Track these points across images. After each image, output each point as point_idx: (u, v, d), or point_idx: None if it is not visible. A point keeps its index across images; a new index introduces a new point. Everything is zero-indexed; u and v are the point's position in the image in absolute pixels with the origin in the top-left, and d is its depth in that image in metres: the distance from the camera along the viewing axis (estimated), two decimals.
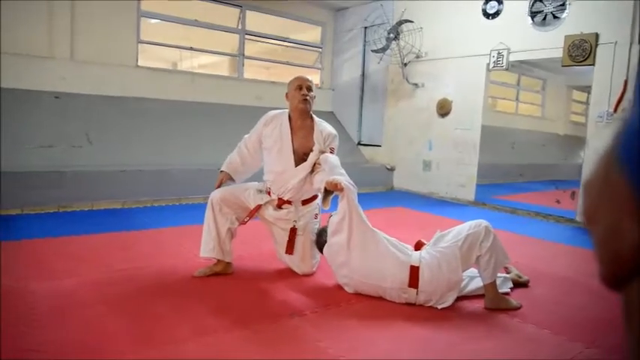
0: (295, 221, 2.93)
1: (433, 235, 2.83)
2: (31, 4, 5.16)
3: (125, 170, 4.95)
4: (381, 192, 6.89)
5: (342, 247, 2.58)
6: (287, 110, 2.99)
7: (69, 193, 4.56)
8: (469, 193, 6.20)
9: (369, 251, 2.56)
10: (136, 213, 4.63)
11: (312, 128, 2.93)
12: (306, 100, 2.86)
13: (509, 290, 2.81)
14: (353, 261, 2.57)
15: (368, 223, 2.62)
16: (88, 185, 4.68)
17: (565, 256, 3.92)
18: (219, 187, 2.97)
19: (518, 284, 2.97)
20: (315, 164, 2.89)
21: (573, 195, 5.37)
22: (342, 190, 2.55)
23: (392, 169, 7.16)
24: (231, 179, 3.03)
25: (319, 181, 2.73)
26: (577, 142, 11.00)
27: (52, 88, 5.33)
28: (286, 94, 2.96)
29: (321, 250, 2.82)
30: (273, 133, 2.93)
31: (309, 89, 2.89)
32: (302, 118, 2.93)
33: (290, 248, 2.91)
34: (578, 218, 5.08)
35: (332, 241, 2.63)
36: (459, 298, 2.61)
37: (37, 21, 5.23)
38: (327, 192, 2.63)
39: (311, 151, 2.89)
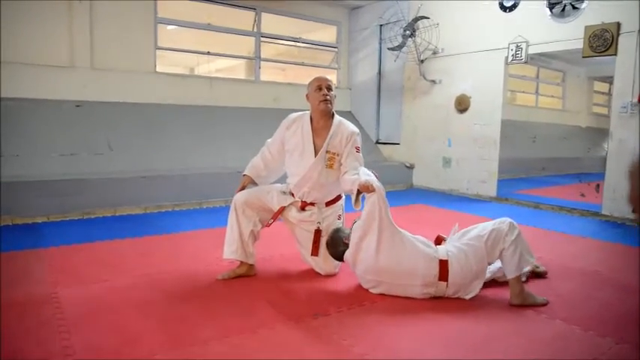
0: (319, 223, 2.92)
1: (451, 229, 2.83)
2: (50, 15, 5.28)
3: (146, 176, 5.02)
4: (400, 190, 6.84)
5: (369, 253, 2.56)
6: (308, 112, 2.98)
7: (92, 199, 4.65)
8: (491, 189, 6.12)
9: (398, 252, 2.54)
10: (157, 218, 4.69)
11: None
12: (326, 100, 2.84)
13: (525, 278, 2.78)
14: (381, 264, 2.55)
15: (394, 224, 2.61)
16: (110, 192, 4.76)
17: (591, 251, 3.84)
18: (241, 190, 2.98)
19: (536, 274, 2.99)
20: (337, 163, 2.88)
21: (598, 188, 5.26)
22: (374, 191, 2.54)
23: (411, 167, 7.11)
24: (253, 183, 3.04)
25: (351, 182, 2.70)
26: (600, 134, 10.80)
27: (73, 97, 5.44)
28: (306, 95, 2.94)
29: (338, 259, 2.80)
30: (295, 135, 2.93)
31: (329, 89, 2.87)
32: (324, 118, 2.91)
33: (315, 250, 2.91)
34: (605, 211, 4.97)
35: (358, 247, 2.60)
36: (484, 287, 2.62)
37: (57, 31, 5.35)
38: (359, 192, 2.62)
39: (331, 153, 2.87)
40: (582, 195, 5.86)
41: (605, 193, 4.98)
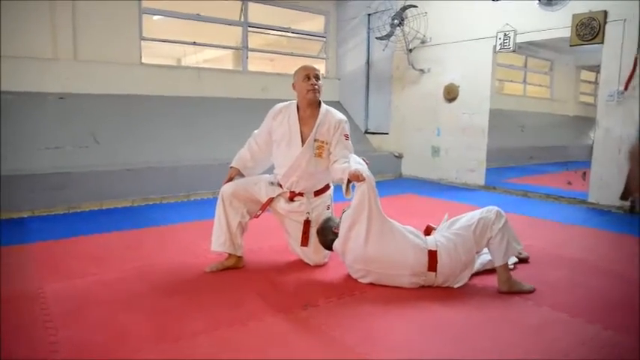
0: (308, 213, 2.91)
1: (442, 219, 2.83)
2: (32, 7, 5.16)
3: (133, 169, 4.96)
4: (390, 180, 6.85)
5: (358, 243, 2.55)
6: (294, 101, 2.95)
7: (78, 193, 4.58)
8: (479, 178, 6.15)
9: (388, 241, 2.54)
10: (145, 210, 4.65)
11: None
12: (314, 89, 2.82)
13: (513, 266, 2.81)
14: (370, 254, 2.55)
15: (384, 213, 2.60)
16: (96, 185, 4.70)
17: (579, 238, 3.87)
18: (228, 182, 2.95)
19: (519, 260, 3.03)
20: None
21: (584, 176, 5.30)
22: (364, 180, 2.53)
23: (400, 157, 7.12)
24: (240, 175, 3.01)
25: (341, 171, 2.68)
26: (587, 122, 10.89)
27: (56, 90, 5.34)
28: (293, 84, 2.90)
29: (328, 248, 2.79)
30: (282, 125, 2.90)
31: (317, 78, 2.84)
32: (311, 107, 2.88)
33: (305, 240, 2.89)
34: (591, 199, 5.02)
35: (347, 236, 2.59)
36: (471, 277, 2.65)
37: (39, 23, 5.23)
38: (349, 181, 2.60)
39: (320, 142, 2.85)
40: (569, 183, 5.91)
41: (591, 181, 5.02)
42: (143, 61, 6.06)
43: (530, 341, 2.03)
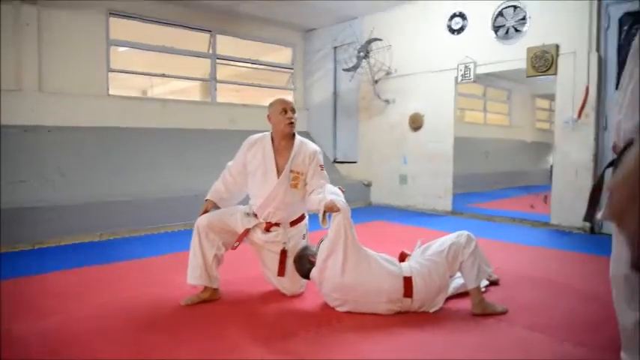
0: (285, 243, 2.92)
1: (414, 244, 2.91)
2: None
3: (99, 202, 4.86)
4: (359, 207, 6.94)
5: (335, 272, 2.59)
6: (268, 133, 3.00)
7: (43, 228, 4.45)
8: (446, 204, 6.32)
9: (363, 270, 2.58)
10: (114, 244, 4.55)
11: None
12: (292, 123, 2.89)
13: (484, 289, 2.89)
14: (347, 283, 2.58)
15: (359, 242, 2.65)
16: (62, 220, 4.57)
17: (544, 259, 4.01)
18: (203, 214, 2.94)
19: (490, 282, 3.11)
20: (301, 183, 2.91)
21: (545, 199, 5.53)
22: (338, 210, 2.59)
23: (369, 185, 7.24)
24: (215, 207, 3.00)
25: (317, 202, 2.73)
26: (544, 148, 11.40)
27: (20, 122, 5.23)
28: (268, 116, 2.95)
29: (304, 276, 2.81)
30: (256, 157, 2.93)
31: (293, 111, 2.91)
32: (286, 139, 2.94)
33: (282, 270, 2.90)
34: (553, 221, 5.23)
35: (324, 265, 2.62)
36: (445, 301, 2.71)
37: (3, 53, 5.14)
38: (325, 212, 2.65)
39: (295, 172, 2.90)
40: (532, 207, 6.14)
41: (553, 204, 5.25)
42: (110, 92, 6.01)
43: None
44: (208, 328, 2.47)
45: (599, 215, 1.73)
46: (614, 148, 1.73)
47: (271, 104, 2.96)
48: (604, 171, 1.75)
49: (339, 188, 2.83)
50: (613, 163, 1.69)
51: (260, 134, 3.03)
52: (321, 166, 2.94)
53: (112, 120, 5.91)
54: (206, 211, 2.94)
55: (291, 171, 2.89)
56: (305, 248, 2.84)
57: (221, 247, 2.88)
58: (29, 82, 5.36)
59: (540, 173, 10.89)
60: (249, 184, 3.01)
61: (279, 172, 2.89)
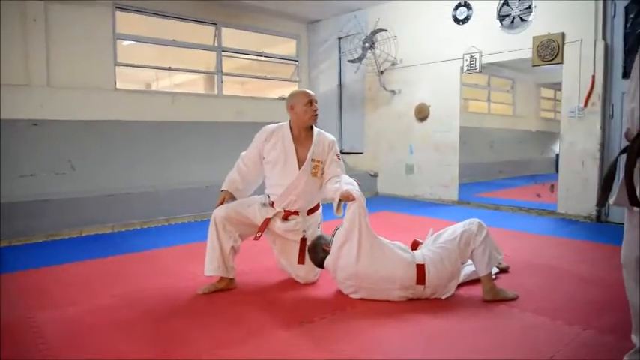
0: (304, 231, 2.98)
1: (427, 233, 2.96)
2: (4, 32, 5.11)
3: (112, 194, 4.92)
4: (366, 198, 6.95)
5: (349, 260, 2.64)
6: (285, 123, 3.03)
7: (56, 221, 4.51)
8: (452, 193, 6.36)
9: (378, 258, 2.63)
10: (126, 236, 4.61)
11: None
12: (317, 114, 2.96)
13: (495, 276, 2.93)
14: (361, 270, 2.63)
15: (372, 231, 2.70)
16: (74, 212, 4.64)
17: (551, 247, 4.06)
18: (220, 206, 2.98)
19: (500, 270, 3.18)
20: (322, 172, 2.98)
21: (552, 188, 5.56)
22: (354, 200, 2.64)
23: (375, 176, 7.28)
24: (232, 198, 3.03)
25: (333, 191, 2.78)
26: (548, 137, 11.39)
27: (30, 116, 5.28)
28: (290, 105, 2.97)
29: (319, 265, 2.85)
30: (276, 147, 2.97)
31: (316, 102, 2.98)
32: (306, 130, 3.00)
33: (302, 258, 2.96)
34: (560, 210, 5.27)
35: (338, 254, 2.67)
36: (457, 288, 2.77)
37: (11, 48, 5.18)
38: (340, 201, 2.70)
39: (316, 161, 2.96)
40: (538, 195, 6.17)
41: (559, 193, 5.28)
42: (117, 86, 6.05)
43: (518, 344, 2.14)
44: (225, 315, 2.54)
45: (611, 201, 1.78)
46: (627, 134, 1.76)
47: (294, 94, 3.00)
48: (617, 157, 1.79)
49: (355, 180, 2.88)
50: (626, 150, 1.73)
51: (275, 125, 3.07)
52: (337, 155, 3.01)
53: (120, 113, 5.95)
54: (222, 203, 2.99)
55: (312, 160, 2.95)
56: (319, 237, 2.89)
57: (237, 239, 2.93)
58: (38, 76, 5.39)
59: (545, 162, 10.91)
60: (267, 175, 3.05)
61: (300, 162, 2.95)
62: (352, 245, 2.63)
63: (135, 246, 4.19)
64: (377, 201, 6.79)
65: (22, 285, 3.08)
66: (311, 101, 2.94)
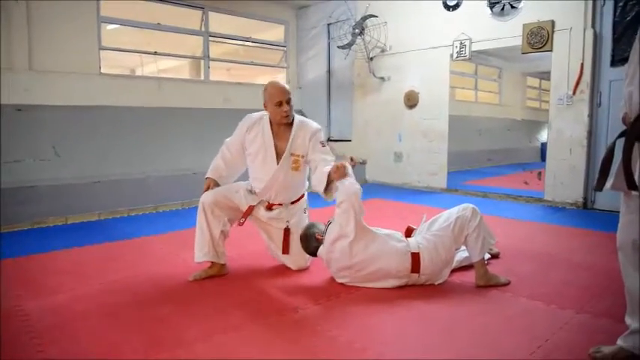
0: (288, 221, 2.96)
1: (419, 219, 2.95)
2: None
3: (98, 181, 4.84)
4: None
5: (343, 254, 2.61)
6: (267, 115, 2.95)
7: (42, 208, 4.43)
8: (441, 181, 6.38)
9: (371, 252, 2.60)
10: (113, 224, 4.54)
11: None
12: (287, 116, 2.84)
13: (487, 262, 2.93)
14: (355, 264, 2.61)
15: (367, 226, 2.68)
16: (60, 199, 4.55)
17: (540, 234, 4.10)
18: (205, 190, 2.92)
19: (491, 256, 3.20)
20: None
21: (539, 175, 5.61)
22: (345, 175, 2.62)
23: (364, 163, 7.26)
24: (216, 184, 2.99)
25: (318, 181, 2.75)
26: (534, 126, 11.52)
27: (14, 101, 5.12)
28: (264, 103, 2.89)
29: (312, 254, 2.83)
30: (256, 140, 2.92)
31: (289, 102, 2.83)
32: (284, 124, 2.93)
33: (286, 248, 2.94)
34: (547, 197, 5.32)
35: (331, 247, 2.64)
36: (451, 273, 2.78)
37: None
38: (329, 182, 2.67)
39: (296, 155, 2.91)
40: (526, 183, 6.23)
41: (546, 180, 5.33)
42: (102, 71, 5.91)
43: (512, 329, 2.16)
44: (217, 302, 2.51)
45: (609, 184, 1.79)
46: (625, 118, 1.76)
47: (266, 90, 2.85)
48: (614, 142, 1.79)
49: (351, 158, 2.82)
50: (624, 134, 1.73)
51: (258, 114, 3.00)
52: (321, 143, 2.92)
53: (105, 98, 5.81)
54: (208, 189, 2.93)
55: (292, 154, 2.89)
56: (311, 226, 2.85)
57: (226, 223, 2.90)
58: (20, 60, 5.23)
59: (531, 150, 11.04)
60: (249, 166, 3.02)
61: (278, 157, 2.89)
62: (346, 240, 2.59)
63: (123, 233, 4.12)
64: (366, 188, 6.68)
65: (9, 273, 3.01)
66: (281, 103, 2.80)
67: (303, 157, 2.92)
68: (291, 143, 2.90)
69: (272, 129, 2.92)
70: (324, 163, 2.81)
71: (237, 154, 3.02)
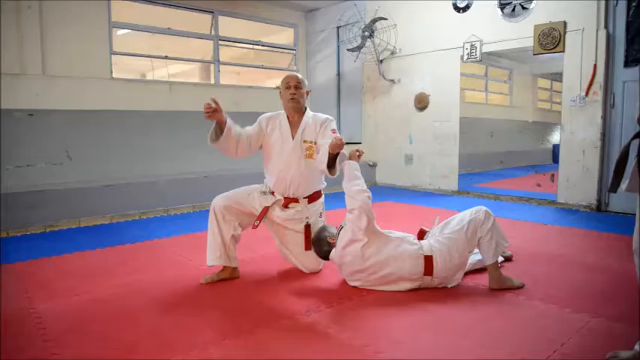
0: (307, 217, 2.96)
1: (430, 222, 2.92)
2: None
3: (109, 185, 4.87)
4: None
5: (355, 259, 2.60)
6: (282, 111, 3.04)
7: (54, 212, 4.46)
8: (452, 184, 6.34)
9: (384, 256, 2.59)
10: (125, 227, 4.56)
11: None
12: (293, 98, 2.92)
13: (500, 265, 2.90)
14: (368, 268, 2.60)
15: (379, 229, 2.67)
16: (72, 203, 4.59)
17: (553, 236, 4.06)
18: (210, 110, 2.81)
19: (504, 259, 3.17)
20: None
21: (553, 178, 5.56)
22: (342, 147, 2.68)
23: (374, 165, 7.25)
24: (221, 123, 2.85)
25: (322, 154, 2.78)
26: (545, 127, 11.42)
27: (26, 106, 5.18)
28: (280, 92, 3.01)
29: (324, 258, 2.83)
30: (275, 131, 2.99)
31: (297, 87, 2.93)
32: (297, 114, 2.99)
33: (308, 245, 2.94)
34: (560, 199, 5.26)
35: (343, 252, 2.63)
36: (464, 276, 2.76)
37: (5, 37, 5.07)
38: (331, 159, 2.71)
39: (308, 142, 2.94)
40: (538, 185, 6.18)
41: (559, 182, 5.28)
42: (114, 75, 5.96)
43: (527, 333, 2.13)
44: (230, 305, 2.51)
45: (623, 186, 1.76)
46: (639, 119, 1.74)
47: (281, 80, 3.01)
48: (629, 143, 1.77)
49: (357, 150, 2.84)
50: (639, 135, 1.71)
51: (271, 113, 3.08)
52: (333, 130, 2.96)
53: (116, 103, 5.86)
54: (211, 107, 2.82)
55: (304, 141, 2.94)
56: (322, 230, 2.84)
57: (238, 228, 2.90)
58: (33, 65, 5.29)
59: (543, 152, 10.94)
60: (265, 162, 3.04)
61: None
62: (358, 245, 2.58)
63: (135, 236, 4.14)
64: (376, 191, 6.75)
65: (22, 276, 3.03)
66: (289, 85, 2.93)
67: (315, 143, 2.94)
68: (303, 130, 2.95)
69: (289, 121, 2.99)
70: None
71: (252, 137, 2.97)
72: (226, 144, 2.85)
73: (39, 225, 4.35)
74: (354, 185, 2.69)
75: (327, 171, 2.79)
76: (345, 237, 2.64)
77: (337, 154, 2.76)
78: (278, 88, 3.07)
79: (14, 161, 4.77)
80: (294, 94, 2.92)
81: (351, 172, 2.76)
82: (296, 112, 2.98)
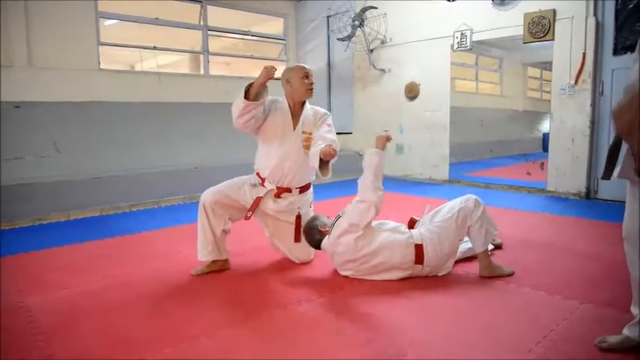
0: (299, 208, 2.95)
1: (422, 211, 2.93)
2: None
3: (98, 177, 4.83)
4: (355, 178, 6.92)
5: (348, 249, 2.61)
6: (281, 97, 2.99)
7: (43, 205, 4.42)
8: (443, 173, 6.36)
9: (376, 247, 2.60)
10: (115, 219, 4.53)
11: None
12: (312, 88, 2.92)
13: (490, 253, 2.92)
14: (359, 258, 2.61)
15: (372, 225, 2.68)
16: (61, 195, 4.54)
17: (543, 224, 4.09)
18: (272, 72, 2.74)
19: (494, 246, 3.19)
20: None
21: (542, 166, 5.59)
22: (333, 157, 2.70)
23: (362, 154, 7.23)
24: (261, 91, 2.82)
25: (314, 153, 2.78)
26: (535, 116, 11.47)
27: (12, 98, 5.10)
28: (287, 80, 2.92)
29: (315, 247, 2.83)
30: (276, 116, 2.95)
31: (311, 77, 2.94)
32: (301, 104, 2.97)
33: (298, 236, 2.94)
34: (550, 187, 5.30)
35: (337, 242, 2.64)
36: (454, 264, 2.78)
37: None
38: (323, 161, 2.71)
39: (307, 134, 2.94)
40: (528, 174, 6.21)
41: (549, 171, 5.31)
42: (102, 66, 5.88)
43: (517, 319, 2.15)
44: (221, 296, 2.51)
45: (615, 173, 1.77)
46: None
47: (291, 68, 2.96)
48: None
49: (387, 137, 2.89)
50: None
51: (274, 97, 3.01)
52: (329, 124, 2.98)
53: (104, 94, 5.79)
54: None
55: (303, 132, 2.93)
56: (314, 219, 2.85)
57: (228, 222, 2.89)
58: (19, 57, 5.20)
59: (533, 141, 11.00)
60: (262, 150, 3.00)
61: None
62: (352, 237, 2.59)
63: (125, 229, 4.11)
64: None
65: (11, 270, 3.01)
66: (307, 75, 2.91)
67: (311, 134, 2.95)
68: (303, 121, 2.95)
69: (290, 110, 2.97)
70: (322, 141, 2.82)
71: (261, 115, 2.92)
72: (255, 110, 2.82)
73: (28, 218, 4.30)
74: (377, 181, 2.71)
75: (319, 171, 2.79)
76: (341, 226, 2.64)
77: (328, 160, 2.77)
78: (279, 79, 3.00)
79: (2, 154, 4.70)
80: (313, 83, 2.93)
81: (379, 167, 2.77)
82: (301, 102, 2.97)
